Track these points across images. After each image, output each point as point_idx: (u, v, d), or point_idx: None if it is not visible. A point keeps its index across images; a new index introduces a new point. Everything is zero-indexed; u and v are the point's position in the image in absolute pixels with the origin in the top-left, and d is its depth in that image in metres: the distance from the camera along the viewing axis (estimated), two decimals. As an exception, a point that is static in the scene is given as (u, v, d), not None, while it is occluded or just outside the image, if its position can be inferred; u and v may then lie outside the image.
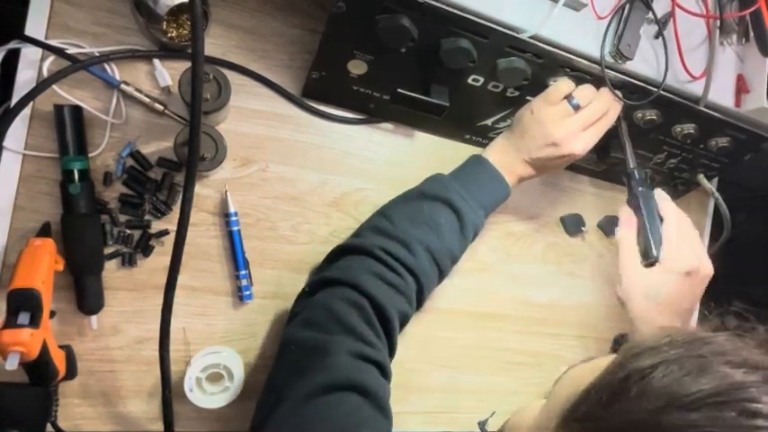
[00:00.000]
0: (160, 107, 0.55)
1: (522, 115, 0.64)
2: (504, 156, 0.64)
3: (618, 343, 0.69)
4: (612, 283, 0.80)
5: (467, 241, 0.62)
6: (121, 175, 0.55)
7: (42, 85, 0.50)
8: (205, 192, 0.59)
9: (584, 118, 0.62)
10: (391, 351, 0.56)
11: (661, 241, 0.61)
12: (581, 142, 0.62)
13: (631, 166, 0.67)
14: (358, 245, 0.57)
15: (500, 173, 0.63)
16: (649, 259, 0.60)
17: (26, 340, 0.44)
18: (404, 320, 0.57)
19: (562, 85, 0.63)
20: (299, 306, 0.56)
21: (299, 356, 0.50)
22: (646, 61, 0.64)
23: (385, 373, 0.52)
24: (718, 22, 0.67)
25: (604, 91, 0.64)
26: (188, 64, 0.54)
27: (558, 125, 0.61)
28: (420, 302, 0.59)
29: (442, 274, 0.61)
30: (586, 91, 0.63)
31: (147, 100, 0.55)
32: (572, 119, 0.62)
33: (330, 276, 0.55)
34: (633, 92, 0.64)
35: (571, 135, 0.62)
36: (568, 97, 0.62)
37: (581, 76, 0.62)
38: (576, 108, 0.62)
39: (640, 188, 0.65)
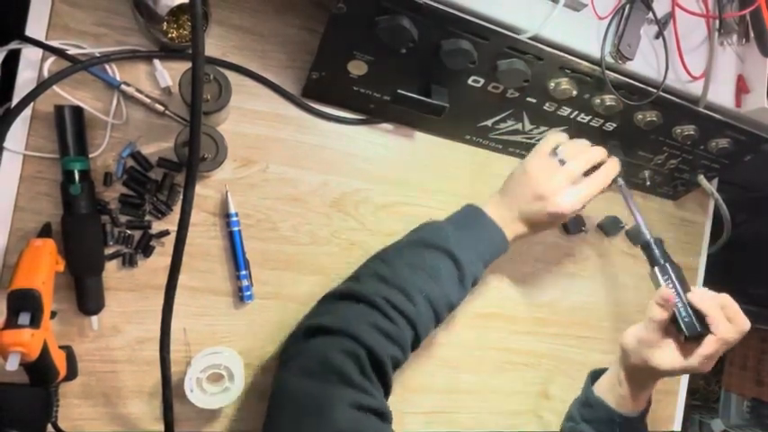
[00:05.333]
0: (160, 108, 0.55)
1: (515, 170, 0.65)
2: (499, 210, 0.64)
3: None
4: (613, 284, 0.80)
5: (465, 292, 0.61)
6: (122, 175, 0.55)
7: (43, 86, 0.49)
8: (205, 192, 0.59)
9: (569, 171, 0.61)
10: (387, 392, 0.55)
11: (691, 315, 0.58)
12: (568, 198, 0.61)
13: (647, 238, 0.64)
14: (357, 292, 0.56)
15: (499, 226, 0.63)
16: (689, 334, 0.57)
17: (27, 341, 0.44)
18: (396, 367, 0.57)
19: (552, 137, 0.63)
20: (294, 350, 0.55)
21: (298, 409, 0.50)
22: (646, 61, 0.64)
23: (384, 417, 0.52)
24: (718, 22, 0.67)
25: (598, 147, 0.63)
26: (188, 64, 0.54)
27: (544, 178, 0.61)
28: (414, 349, 0.59)
29: (438, 322, 0.60)
30: (572, 144, 0.63)
31: (147, 100, 0.55)
32: (558, 172, 0.61)
33: (327, 325, 0.54)
34: (633, 93, 0.64)
35: (557, 189, 0.61)
36: (554, 151, 0.62)
37: (581, 77, 0.62)
38: (562, 163, 0.62)
39: (664, 261, 0.63)
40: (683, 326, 0.56)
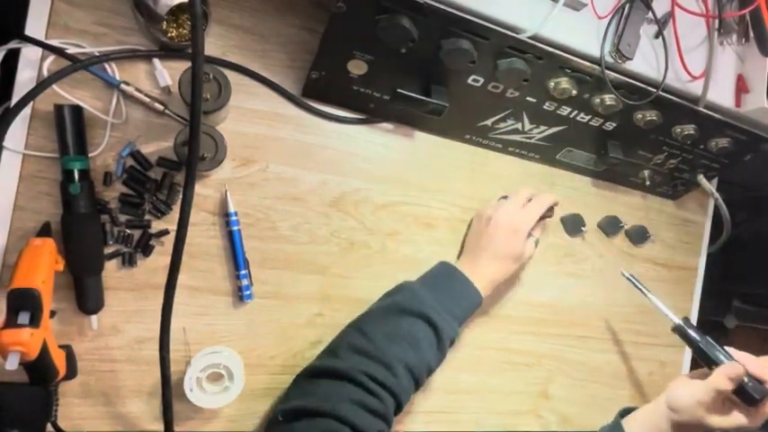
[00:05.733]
0: (160, 107, 0.55)
1: (470, 229, 0.71)
2: (470, 262, 0.67)
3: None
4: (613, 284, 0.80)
5: (443, 355, 0.63)
6: (121, 174, 0.55)
7: (42, 85, 0.49)
8: (205, 191, 0.59)
9: (514, 199, 0.69)
10: None
11: (754, 381, 0.62)
12: (517, 212, 0.68)
13: (677, 322, 0.69)
14: (337, 369, 0.56)
15: (471, 281, 0.64)
16: (759, 397, 0.61)
17: (26, 340, 0.44)
18: None
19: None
20: None
21: None
22: (646, 61, 0.64)
23: None
24: (718, 22, 0.67)
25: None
26: (188, 64, 0.54)
27: (491, 208, 0.69)
28: (396, 415, 0.59)
29: (418, 387, 0.61)
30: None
31: (147, 100, 0.55)
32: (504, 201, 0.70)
33: (309, 406, 0.54)
34: (633, 92, 0.64)
35: (503, 209, 0.68)
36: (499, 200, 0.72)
37: (581, 76, 0.62)
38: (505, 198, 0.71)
39: (699, 339, 0.67)
40: (751, 392, 0.60)
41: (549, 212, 0.72)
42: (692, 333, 0.68)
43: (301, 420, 0.54)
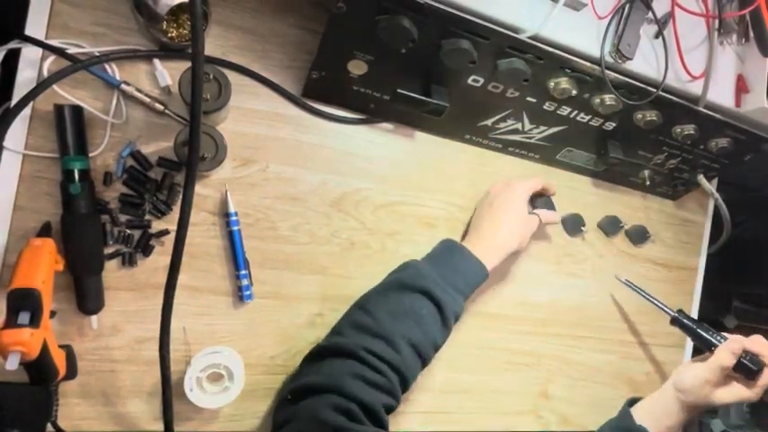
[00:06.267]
0: (160, 107, 0.55)
1: (478, 207, 0.72)
2: (473, 237, 0.68)
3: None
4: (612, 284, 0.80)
5: (448, 330, 0.62)
6: (122, 174, 0.55)
7: (42, 85, 0.49)
8: (205, 192, 0.59)
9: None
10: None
11: (749, 356, 0.67)
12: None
13: (673, 314, 0.75)
14: (341, 346, 0.57)
15: (473, 255, 0.64)
16: (757, 369, 0.67)
17: (26, 340, 0.44)
18: (390, 412, 0.57)
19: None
20: (284, 414, 0.55)
21: None
22: (646, 61, 0.64)
23: None
24: (718, 22, 0.67)
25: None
26: (188, 64, 0.54)
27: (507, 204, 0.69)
28: (405, 392, 0.60)
29: (425, 364, 0.61)
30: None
31: (147, 100, 0.55)
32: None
33: (314, 383, 0.55)
34: (633, 92, 0.64)
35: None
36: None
37: (581, 76, 0.62)
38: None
39: (696, 326, 0.73)
40: (749, 365, 0.66)
41: (553, 208, 0.73)
42: (688, 322, 0.73)
43: (307, 399, 0.54)
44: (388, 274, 0.64)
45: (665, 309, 0.75)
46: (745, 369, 0.66)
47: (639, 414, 0.69)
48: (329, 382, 0.54)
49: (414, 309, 0.59)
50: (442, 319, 0.61)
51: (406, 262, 0.65)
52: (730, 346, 0.66)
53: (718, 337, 0.70)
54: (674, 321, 0.75)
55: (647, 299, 0.77)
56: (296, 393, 0.55)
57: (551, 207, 0.73)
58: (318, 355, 0.59)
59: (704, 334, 0.71)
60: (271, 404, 0.63)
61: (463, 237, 0.72)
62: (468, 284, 0.64)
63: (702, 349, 0.72)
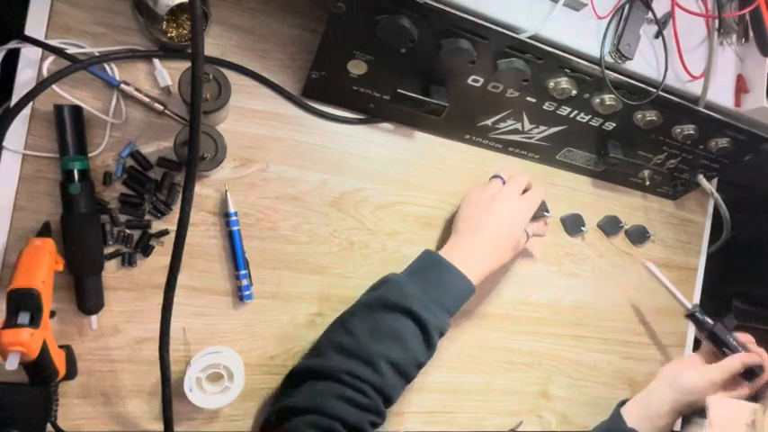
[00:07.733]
0: (160, 107, 0.55)
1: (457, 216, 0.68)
2: (461, 247, 0.64)
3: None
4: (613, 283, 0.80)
5: (432, 348, 0.61)
6: (121, 174, 0.55)
7: (42, 85, 0.49)
8: (205, 192, 0.59)
9: (514, 183, 0.68)
10: None
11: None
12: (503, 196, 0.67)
13: (690, 308, 0.76)
14: (321, 368, 0.56)
15: (459, 270, 0.62)
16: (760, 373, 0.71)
17: (26, 340, 0.44)
18: (376, 427, 0.57)
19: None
20: None
21: None
22: (645, 61, 0.64)
23: None
24: (718, 22, 0.67)
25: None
26: (188, 64, 0.54)
27: (490, 188, 0.67)
28: (389, 407, 0.59)
29: (409, 381, 0.60)
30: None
31: (146, 100, 0.55)
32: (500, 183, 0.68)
33: (296, 405, 0.54)
34: (633, 92, 0.64)
35: (505, 193, 0.66)
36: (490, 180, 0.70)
37: (581, 76, 0.62)
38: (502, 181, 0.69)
39: (712, 323, 0.75)
40: (755, 369, 0.70)
41: (546, 210, 0.72)
42: (707, 319, 0.75)
43: (290, 420, 0.54)
44: (369, 288, 0.63)
45: (683, 301, 0.76)
46: (748, 373, 0.69)
47: (631, 415, 0.69)
48: (310, 403, 0.54)
49: (395, 329, 0.58)
50: (425, 338, 0.59)
51: (387, 276, 0.63)
52: (746, 359, 0.69)
53: (732, 341, 0.72)
54: (690, 316, 0.76)
55: (667, 288, 0.77)
56: (278, 415, 0.56)
57: (545, 208, 0.71)
58: (299, 376, 0.58)
59: (720, 335, 0.73)
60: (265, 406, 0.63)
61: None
62: (454, 302, 0.62)
63: (711, 348, 0.74)
